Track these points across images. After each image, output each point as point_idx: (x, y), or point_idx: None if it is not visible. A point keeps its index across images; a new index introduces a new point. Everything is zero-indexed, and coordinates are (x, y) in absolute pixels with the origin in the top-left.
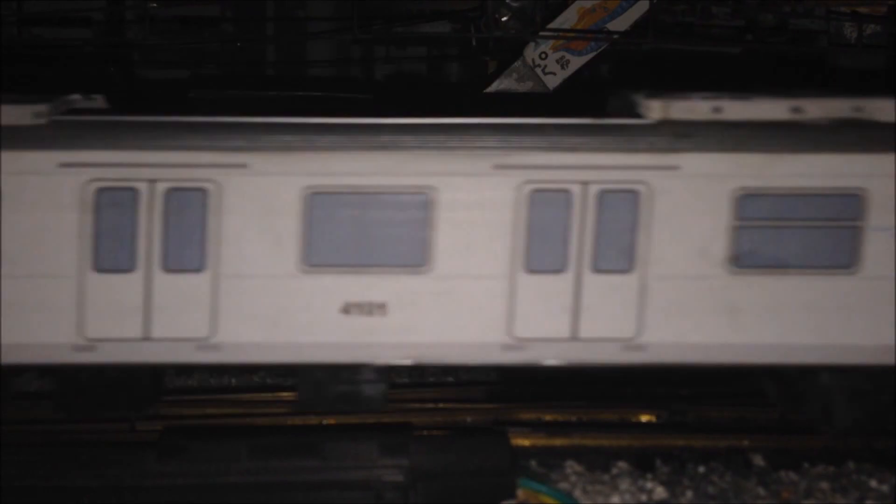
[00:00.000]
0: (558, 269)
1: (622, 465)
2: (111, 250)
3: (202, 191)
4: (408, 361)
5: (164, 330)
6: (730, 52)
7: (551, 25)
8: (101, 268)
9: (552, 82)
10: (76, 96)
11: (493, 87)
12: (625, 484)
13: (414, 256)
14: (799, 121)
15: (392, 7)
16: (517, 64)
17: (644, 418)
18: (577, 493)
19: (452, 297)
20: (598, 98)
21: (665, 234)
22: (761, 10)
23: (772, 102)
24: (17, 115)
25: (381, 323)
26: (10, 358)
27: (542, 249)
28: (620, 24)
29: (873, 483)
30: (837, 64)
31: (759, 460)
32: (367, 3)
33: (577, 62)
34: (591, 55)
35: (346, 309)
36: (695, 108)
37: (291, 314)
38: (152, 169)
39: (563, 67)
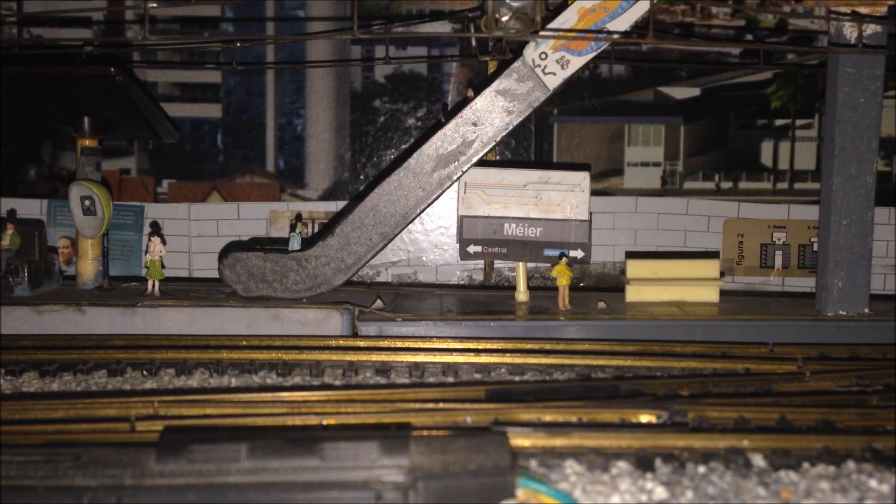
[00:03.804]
0: None
1: (622, 465)
2: None
3: None
4: None
5: None
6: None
7: (551, 25)
8: None
9: (552, 82)
10: None
11: (493, 87)
12: (625, 484)
13: None
14: None
15: (392, 7)
16: (517, 64)
17: (644, 418)
18: (577, 493)
19: None
20: None
21: None
22: (761, 10)
23: None
24: None
25: None
26: None
27: None
28: (620, 24)
29: (873, 483)
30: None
31: (759, 460)
32: (367, 3)
33: (577, 62)
34: (591, 55)
35: None
36: None
37: None
38: None
39: (563, 67)
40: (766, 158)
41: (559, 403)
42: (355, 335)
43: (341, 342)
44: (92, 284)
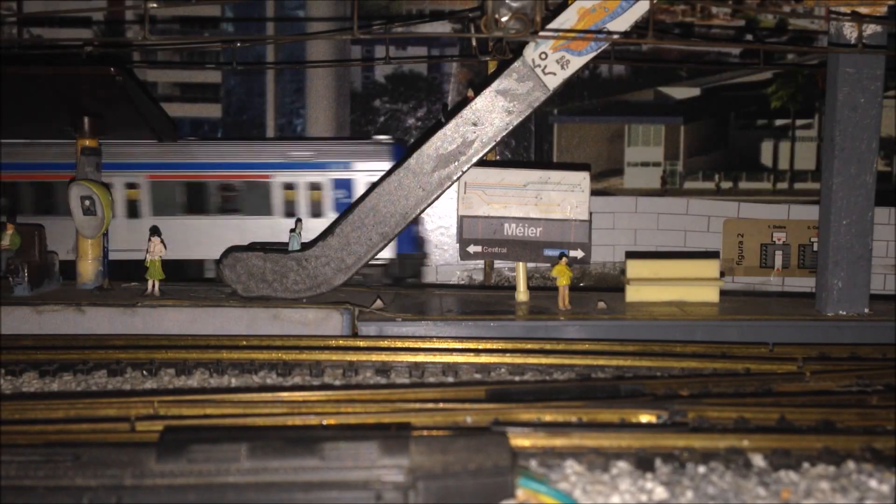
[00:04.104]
0: None
1: (622, 465)
2: None
3: None
4: None
5: None
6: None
7: (551, 25)
8: None
9: (552, 82)
10: None
11: (493, 87)
12: (625, 484)
13: None
14: None
15: (392, 7)
16: (517, 64)
17: (644, 418)
18: (577, 493)
19: None
20: None
21: None
22: (761, 10)
23: None
24: None
25: None
26: None
27: None
28: (620, 24)
29: (873, 483)
30: None
31: (759, 460)
32: (367, 3)
33: (577, 62)
34: (591, 55)
35: None
36: None
37: None
38: None
39: (563, 67)
40: (766, 158)
41: (559, 403)
42: (355, 335)
43: (341, 342)
44: (92, 284)
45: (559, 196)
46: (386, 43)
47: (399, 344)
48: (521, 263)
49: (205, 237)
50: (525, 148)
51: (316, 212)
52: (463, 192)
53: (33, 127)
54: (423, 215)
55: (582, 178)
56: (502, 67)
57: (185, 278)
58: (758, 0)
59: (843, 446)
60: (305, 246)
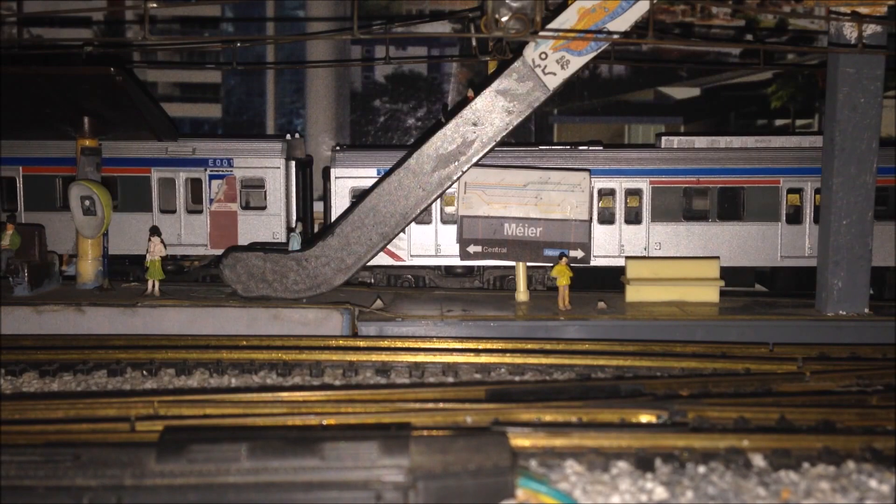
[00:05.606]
0: None
1: (622, 465)
2: None
3: None
4: None
5: None
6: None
7: (551, 25)
8: None
9: (552, 82)
10: None
11: (493, 87)
12: (625, 484)
13: None
14: None
15: (392, 7)
16: (517, 64)
17: (644, 418)
18: (577, 493)
19: None
20: None
21: None
22: (761, 10)
23: None
24: None
25: None
26: None
27: None
28: (620, 24)
29: (873, 483)
30: None
31: (759, 460)
32: (367, 3)
33: (577, 62)
34: (591, 55)
35: None
36: None
37: None
38: None
39: (563, 67)
40: None
41: (559, 403)
42: (355, 335)
43: (341, 342)
44: (92, 284)
45: (559, 196)
46: (386, 43)
47: (399, 344)
48: (521, 263)
49: None
50: None
51: None
52: (463, 192)
53: (33, 127)
54: None
55: (582, 178)
56: (502, 67)
57: None
58: (758, 0)
59: (843, 446)
60: (305, 246)
